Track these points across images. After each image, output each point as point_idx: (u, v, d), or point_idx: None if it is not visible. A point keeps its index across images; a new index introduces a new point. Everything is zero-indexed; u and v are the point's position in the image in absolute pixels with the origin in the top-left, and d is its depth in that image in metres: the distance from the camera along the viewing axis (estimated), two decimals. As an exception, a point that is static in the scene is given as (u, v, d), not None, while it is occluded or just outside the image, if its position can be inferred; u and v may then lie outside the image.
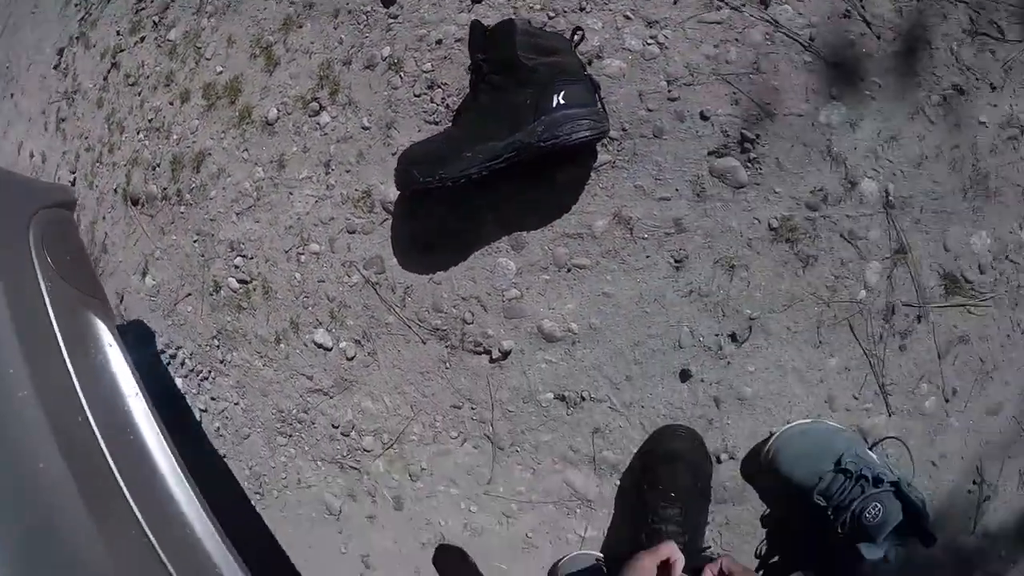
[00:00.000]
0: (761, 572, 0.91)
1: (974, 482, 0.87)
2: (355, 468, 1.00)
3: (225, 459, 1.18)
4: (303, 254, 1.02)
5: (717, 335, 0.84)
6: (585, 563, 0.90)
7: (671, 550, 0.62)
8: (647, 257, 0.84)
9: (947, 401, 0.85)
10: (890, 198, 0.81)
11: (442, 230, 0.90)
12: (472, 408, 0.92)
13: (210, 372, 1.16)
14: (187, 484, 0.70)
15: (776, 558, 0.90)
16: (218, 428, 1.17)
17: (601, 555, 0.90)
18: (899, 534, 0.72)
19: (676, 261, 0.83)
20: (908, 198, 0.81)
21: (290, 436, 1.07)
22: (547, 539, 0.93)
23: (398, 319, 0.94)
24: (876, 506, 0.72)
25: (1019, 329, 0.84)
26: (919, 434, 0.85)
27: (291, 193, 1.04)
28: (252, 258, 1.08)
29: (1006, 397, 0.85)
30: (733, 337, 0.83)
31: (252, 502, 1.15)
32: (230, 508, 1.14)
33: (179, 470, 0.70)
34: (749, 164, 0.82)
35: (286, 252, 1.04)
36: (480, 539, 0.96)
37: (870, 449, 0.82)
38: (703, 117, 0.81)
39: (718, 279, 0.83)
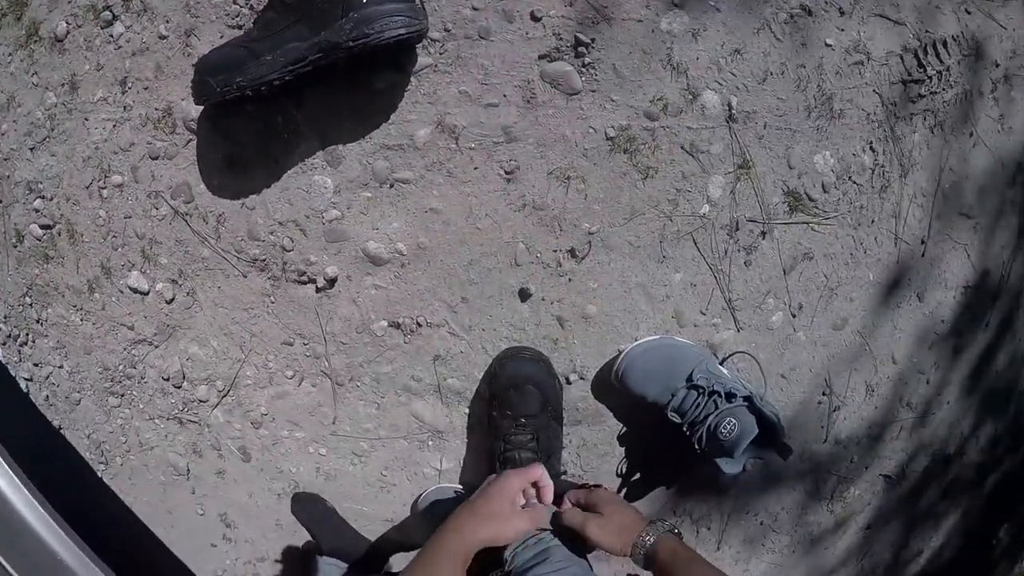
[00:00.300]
0: (624, 490, 0.92)
1: (823, 393, 0.90)
2: (194, 422, 0.91)
3: (61, 431, 1.05)
4: (105, 188, 0.87)
5: (555, 251, 0.78)
6: (445, 495, 0.87)
7: (540, 473, 0.58)
8: (475, 169, 0.76)
9: (794, 316, 0.85)
10: (733, 112, 0.76)
11: (251, 148, 0.77)
12: (304, 344, 0.84)
13: (28, 335, 1.00)
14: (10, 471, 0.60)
15: (638, 475, 0.90)
16: (47, 397, 1.03)
17: (460, 487, 0.88)
18: (756, 447, 0.73)
19: (507, 172, 0.76)
20: (751, 113, 0.77)
21: (122, 396, 0.95)
22: (403, 475, 0.90)
23: (213, 252, 0.82)
24: (731, 421, 0.72)
25: (862, 247, 0.84)
26: (768, 348, 0.86)
27: (86, 119, 0.87)
28: (52, 199, 0.91)
29: (850, 312, 0.87)
30: (572, 253, 0.78)
31: (99, 474, 1.04)
32: (78, 483, 1.02)
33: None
34: (584, 70, 0.74)
35: (87, 188, 0.88)
36: (335, 482, 0.91)
37: (720, 364, 0.82)
38: (534, 18, 0.71)
39: (553, 191, 0.77)
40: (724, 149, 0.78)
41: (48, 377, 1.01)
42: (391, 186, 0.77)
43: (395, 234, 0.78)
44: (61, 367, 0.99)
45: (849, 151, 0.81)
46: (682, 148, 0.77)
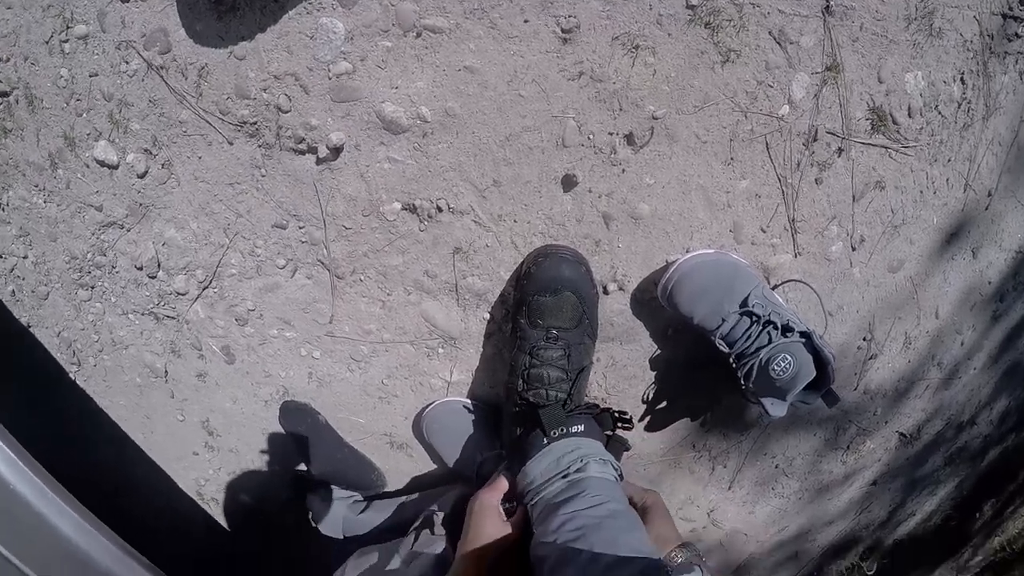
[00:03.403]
0: (647, 419, 0.78)
1: (864, 339, 0.76)
2: (171, 317, 0.73)
3: (30, 328, 0.86)
4: (67, 41, 0.65)
5: (611, 134, 0.59)
6: (453, 411, 0.72)
7: (507, 486, 0.55)
8: (526, 22, 0.55)
9: (853, 249, 0.70)
10: (831, 3, 0.58)
11: None
12: (300, 227, 0.64)
13: (-11, 220, 0.81)
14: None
15: (664, 403, 0.76)
16: (12, 292, 0.84)
17: (470, 402, 0.73)
18: (804, 389, 0.58)
19: (564, 31, 0.56)
20: (850, 9, 0.59)
21: (92, 288, 0.76)
22: (407, 385, 0.72)
23: (194, 114, 0.62)
24: (786, 358, 0.57)
25: (933, 187, 0.69)
26: (821, 280, 0.70)
27: None
28: (8, 60, 0.69)
29: (908, 255, 0.73)
30: (630, 139, 0.59)
31: (71, 375, 0.86)
32: (50, 387, 0.85)
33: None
34: None
35: (47, 42, 0.66)
36: (328, 389, 0.73)
37: (773, 290, 0.66)
38: None
39: (616, 61, 0.58)
40: (815, 44, 0.60)
41: (13, 269, 0.81)
42: (418, 35, 0.56)
43: (418, 96, 0.58)
44: (26, 257, 0.79)
45: (940, 77, 0.64)
46: (770, 34, 0.58)
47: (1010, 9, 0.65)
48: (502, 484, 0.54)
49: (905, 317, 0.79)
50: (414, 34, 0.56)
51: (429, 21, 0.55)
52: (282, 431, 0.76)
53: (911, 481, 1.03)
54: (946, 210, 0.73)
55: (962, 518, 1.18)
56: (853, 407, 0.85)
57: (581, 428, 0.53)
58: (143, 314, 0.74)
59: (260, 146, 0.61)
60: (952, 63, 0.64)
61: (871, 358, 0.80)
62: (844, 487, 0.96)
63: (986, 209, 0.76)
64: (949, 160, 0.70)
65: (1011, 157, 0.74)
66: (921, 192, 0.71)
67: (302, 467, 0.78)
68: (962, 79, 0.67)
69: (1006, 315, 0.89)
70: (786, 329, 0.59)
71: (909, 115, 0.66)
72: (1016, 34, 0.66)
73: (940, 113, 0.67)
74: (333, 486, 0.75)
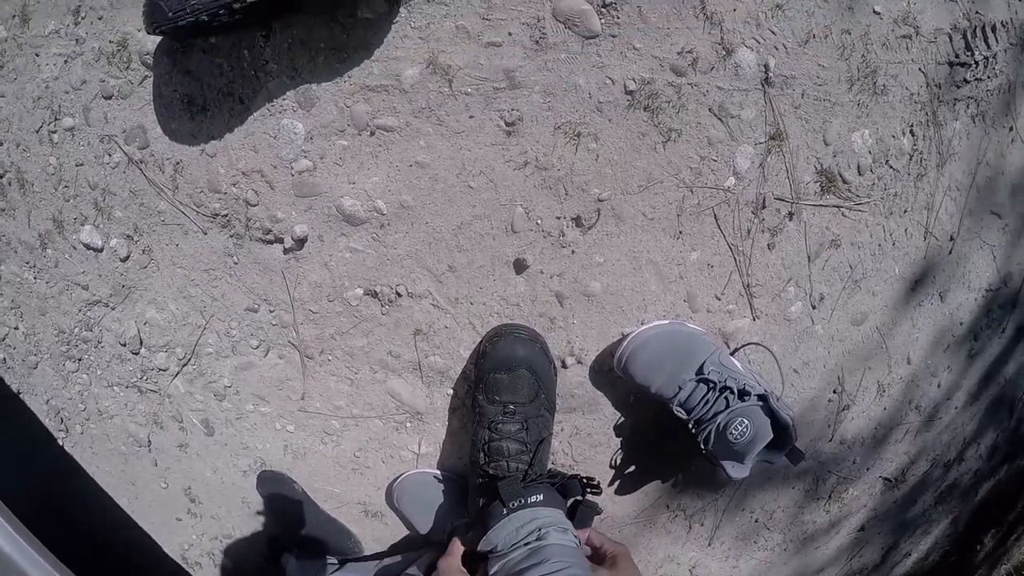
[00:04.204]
0: (616, 483, 0.80)
1: (834, 391, 0.77)
2: (154, 391, 0.76)
3: (20, 395, 0.91)
4: (55, 132, 0.71)
5: (559, 218, 0.63)
6: (423, 482, 0.74)
7: (461, 547, 0.58)
8: (471, 118, 0.60)
9: (814, 307, 0.72)
10: (769, 74, 0.61)
11: (213, 87, 0.61)
12: (270, 310, 0.68)
13: (-16, 293, 0.86)
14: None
15: (632, 468, 0.77)
16: (3, 360, 0.89)
17: (439, 472, 0.75)
18: (765, 449, 0.60)
19: (508, 124, 0.60)
20: (790, 78, 0.62)
21: (79, 360, 0.81)
22: (378, 457, 0.75)
23: (171, 205, 0.66)
24: (743, 422, 0.58)
25: (891, 239, 0.71)
26: (783, 340, 0.72)
27: (37, 55, 0.70)
28: (1, 144, 0.76)
29: (872, 308, 0.74)
30: (578, 221, 0.63)
31: (60, 441, 0.90)
32: (40, 452, 0.88)
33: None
34: (604, 10, 0.58)
35: (37, 132, 0.72)
36: (304, 461, 0.76)
37: (732, 355, 0.68)
38: (549, -57, 0.56)
39: (560, 149, 0.62)
40: (757, 116, 0.62)
41: (4, 339, 0.86)
42: (372, 134, 0.60)
43: (374, 190, 0.62)
44: (17, 328, 0.84)
45: (889, 132, 0.66)
46: (710, 110, 0.61)
47: (956, 56, 0.66)
48: (456, 547, 0.57)
49: (875, 366, 0.80)
50: (368, 133, 0.60)
51: (381, 121, 0.60)
52: (260, 500, 0.78)
53: (902, 523, 1.02)
54: (908, 259, 0.74)
55: (961, 553, 1.16)
56: (830, 457, 0.86)
57: (540, 498, 0.55)
58: (127, 387, 0.78)
59: (231, 236, 0.65)
60: (900, 117, 0.66)
61: (844, 409, 0.81)
62: (831, 535, 0.96)
63: (950, 253, 0.77)
64: (905, 211, 0.72)
65: (971, 200, 0.75)
66: (879, 245, 0.73)
67: (278, 532, 0.80)
68: (911, 131, 0.68)
69: (982, 352, 0.89)
70: (743, 393, 0.61)
71: (859, 173, 0.68)
72: (965, 79, 0.68)
73: (891, 167, 0.69)
74: (308, 550, 0.77)
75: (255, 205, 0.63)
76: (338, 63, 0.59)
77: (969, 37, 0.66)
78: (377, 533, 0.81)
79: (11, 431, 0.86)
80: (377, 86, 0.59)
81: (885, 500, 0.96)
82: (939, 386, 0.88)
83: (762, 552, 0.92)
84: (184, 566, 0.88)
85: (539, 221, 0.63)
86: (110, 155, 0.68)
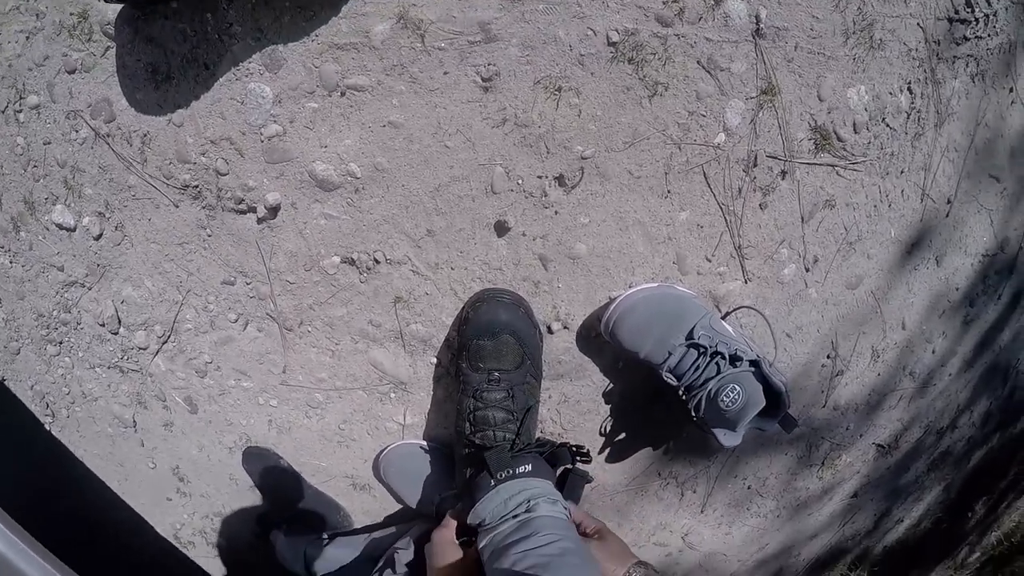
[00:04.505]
0: (607, 450, 0.79)
1: (828, 356, 0.76)
2: (135, 371, 0.75)
3: (5, 382, 0.90)
4: (21, 111, 0.69)
5: (541, 177, 0.61)
6: (409, 453, 0.73)
7: (455, 524, 0.57)
8: (445, 74, 0.57)
9: (807, 270, 0.70)
10: (761, 26, 0.58)
11: (177, 54, 0.58)
12: (247, 283, 0.67)
13: (-38, 278, 0.84)
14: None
15: (623, 435, 0.76)
16: (-15, 346, 0.88)
17: (425, 443, 0.74)
18: (758, 416, 0.58)
19: (484, 80, 0.58)
20: (782, 30, 0.59)
21: (60, 343, 0.80)
22: (363, 429, 0.74)
23: (140, 179, 0.64)
24: (735, 388, 0.57)
25: (887, 200, 0.69)
26: (776, 304, 0.70)
27: None
28: None
29: (867, 271, 0.72)
30: (560, 180, 0.61)
31: (47, 426, 0.90)
32: (28, 439, 0.88)
33: None
34: None
35: (3, 112, 0.70)
36: (289, 435, 0.75)
37: (723, 319, 0.67)
38: None
39: (540, 105, 0.59)
40: (747, 69, 0.60)
41: None
42: (342, 94, 0.58)
43: (347, 153, 0.60)
44: None
45: (885, 89, 0.64)
46: (699, 63, 0.59)
47: (956, 12, 0.64)
48: (450, 521, 0.56)
49: (870, 331, 0.79)
50: (338, 93, 0.58)
51: (351, 80, 0.58)
52: (248, 476, 0.78)
53: (894, 489, 1.03)
54: (904, 221, 0.73)
55: (953, 519, 1.17)
56: (823, 424, 0.85)
57: (528, 468, 0.54)
58: (109, 367, 0.77)
59: (204, 208, 0.64)
60: (897, 74, 0.64)
61: (837, 375, 0.80)
62: (823, 501, 0.96)
63: (947, 216, 0.75)
64: (902, 172, 0.70)
65: (969, 162, 0.73)
66: (875, 206, 0.71)
67: (267, 508, 0.80)
68: (909, 89, 0.66)
69: (978, 319, 0.88)
70: (734, 359, 0.59)
71: (855, 131, 0.66)
72: (964, 37, 0.65)
73: (888, 125, 0.67)
74: (297, 525, 0.77)
75: (225, 174, 0.62)
76: (304, 22, 0.56)
77: None
78: (366, 506, 0.81)
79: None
80: (346, 44, 0.57)
81: (878, 466, 0.96)
82: (934, 352, 0.87)
83: (755, 519, 0.92)
84: (177, 545, 0.89)
85: (520, 181, 0.61)
86: (77, 131, 0.66)
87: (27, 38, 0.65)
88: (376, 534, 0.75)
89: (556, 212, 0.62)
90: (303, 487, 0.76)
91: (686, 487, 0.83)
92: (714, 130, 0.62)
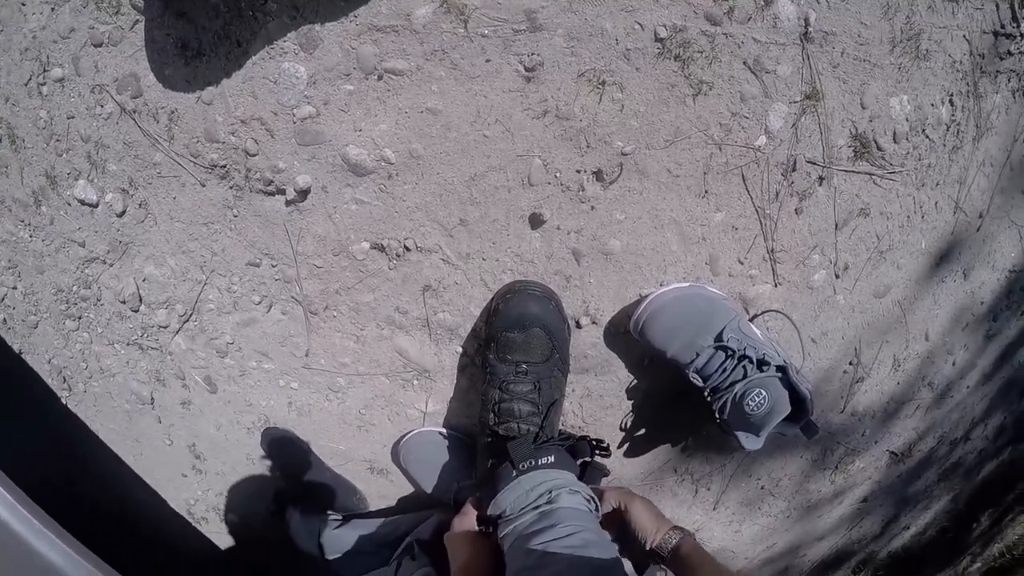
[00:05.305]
0: (626, 445, 0.80)
1: (850, 363, 0.77)
2: (155, 348, 0.75)
3: (22, 355, 0.91)
4: (44, 84, 0.67)
5: (579, 171, 0.60)
6: (429, 440, 0.74)
7: (476, 509, 0.59)
8: (487, 61, 0.56)
9: (837, 277, 0.70)
10: (809, 29, 0.57)
11: (208, 29, 0.57)
12: (272, 265, 0.66)
13: (-20, 252, 0.84)
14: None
15: (643, 431, 0.77)
16: (4, 320, 0.88)
17: (445, 431, 0.75)
18: (781, 421, 0.59)
19: (527, 69, 0.57)
20: (830, 34, 0.58)
21: (79, 319, 0.80)
22: (384, 415, 0.74)
23: (167, 156, 0.63)
24: (760, 393, 0.57)
25: (920, 211, 0.69)
26: (803, 309, 0.71)
27: (23, 4, 0.66)
28: None
29: (895, 280, 0.72)
30: (599, 175, 0.60)
31: (63, 400, 0.91)
32: (45, 411, 0.89)
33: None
34: None
35: (26, 84, 0.68)
36: (308, 418, 0.76)
37: (751, 321, 0.66)
38: None
39: (583, 98, 0.58)
40: (793, 73, 0.59)
41: (3, 299, 0.85)
42: (379, 78, 0.57)
43: (382, 138, 0.59)
44: (15, 288, 0.83)
45: (928, 100, 0.63)
46: (744, 64, 0.58)
47: (1002, 26, 0.64)
48: (470, 510, 0.57)
49: (893, 340, 0.79)
50: (375, 77, 0.57)
51: (390, 64, 0.56)
52: (265, 456, 0.79)
53: (904, 497, 1.04)
54: (935, 233, 0.72)
55: (958, 529, 1.18)
56: (840, 428, 0.86)
57: (551, 459, 0.55)
58: (128, 344, 0.77)
59: (231, 188, 0.63)
60: (940, 85, 0.63)
61: (858, 381, 0.81)
62: (833, 505, 0.97)
63: (977, 230, 0.75)
64: (938, 184, 0.70)
65: (1003, 177, 0.73)
66: (908, 217, 0.70)
67: (283, 486, 0.81)
68: (951, 101, 0.66)
69: (1000, 334, 0.88)
70: (762, 363, 0.59)
71: (894, 140, 0.65)
72: (1008, 51, 0.65)
73: (927, 136, 0.67)
74: (313, 505, 0.78)
75: (255, 155, 0.61)
76: (343, 1, 0.55)
77: (1016, 7, 0.62)
78: (383, 490, 0.81)
79: (16, 391, 0.86)
80: (385, 26, 0.55)
81: (890, 474, 0.97)
82: (954, 364, 0.87)
83: (765, 518, 0.93)
84: (190, 520, 0.90)
85: (557, 174, 0.60)
86: (102, 106, 0.65)
87: (52, 9, 0.64)
88: (391, 518, 0.76)
89: (592, 207, 0.62)
90: (321, 468, 0.77)
91: (701, 484, 0.84)
92: (756, 132, 0.61)
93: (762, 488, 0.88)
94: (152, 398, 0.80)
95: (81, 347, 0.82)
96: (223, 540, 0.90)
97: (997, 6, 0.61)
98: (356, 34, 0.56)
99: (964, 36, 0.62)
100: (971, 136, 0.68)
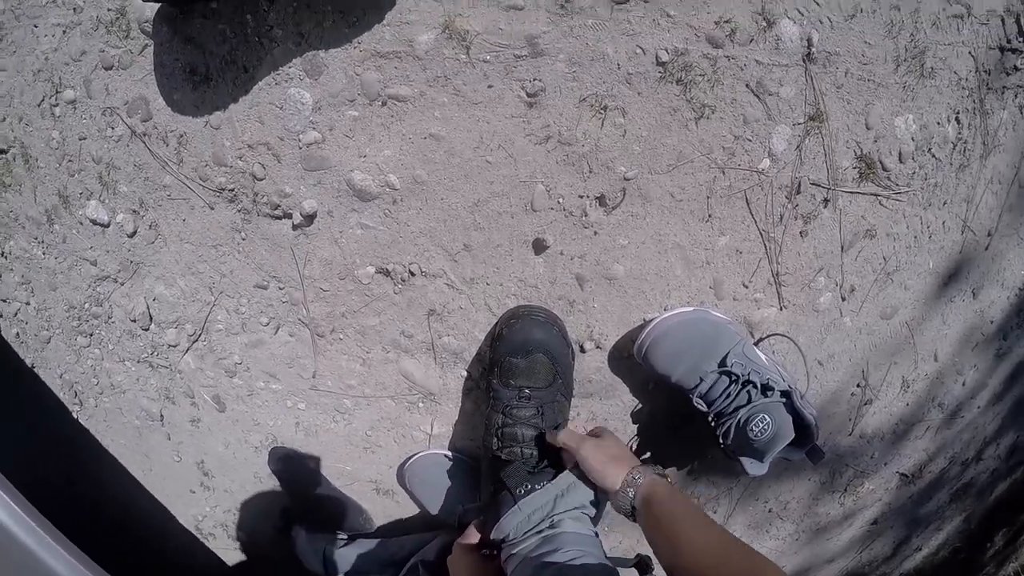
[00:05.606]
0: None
1: (858, 385, 0.76)
2: (165, 367, 0.76)
3: (34, 369, 0.92)
4: (57, 105, 0.69)
5: (582, 196, 0.60)
6: (434, 462, 0.74)
7: (477, 535, 0.59)
8: (490, 87, 0.57)
9: (843, 299, 0.69)
10: (812, 50, 0.57)
11: (216, 55, 0.58)
12: (280, 287, 0.67)
13: (-5, 267, 0.86)
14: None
15: (648, 455, 0.76)
16: (17, 334, 0.90)
17: (450, 453, 0.74)
18: (785, 447, 0.58)
19: (529, 95, 0.57)
20: (833, 55, 0.58)
21: (91, 335, 0.81)
22: (390, 437, 0.75)
23: (176, 179, 0.65)
24: (764, 419, 0.57)
25: (928, 231, 0.68)
26: (809, 332, 0.70)
27: (35, 26, 0.68)
28: (4, 119, 0.74)
29: (903, 301, 0.71)
30: (602, 200, 0.60)
31: (74, 414, 0.92)
32: (56, 425, 0.90)
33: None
34: None
35: (38, 105, 0.70)
36: (315, 439, 0.76)
37: (756, 345, 0.66)
38: None
39: (585, 124, 0.58)
40: (796, 94, 0.59)
41: (17, 314, 0.87)
42: (383, 104, 0.57)
43: (386, 163, 0.59)
44: (28, 303, 0.85)
45: (933, 118, 0.62)
46: (747, 86, 0.57)
47: (1008, 41, 0.62)
48: (473, 532, 0.57)
49: (901, 361, 0.78)
50: (379, 103, 0.57)
51: (393, 90, 0.57)
52: (273, 474, 0.79)
53: (915, 518, 1.02)
54: (943, 253, 0.71)
55: (971, 550, 1.16)
56: (849, 451, 0.84)
57: (546, 484, 0.55)
58: (138, 362, 0.79)
59: (239, 211, 0.64)
60: (946, 103, 0.62)
61: (866, 403, 0.80)
62: (843, 527, 0.96)
63: (986, 249, 0.74)
64: (945, 203, 0.69)
65: (1012, 195, 0.72)
66: (915, 237, 0.69)
67: (289, 504, 0.81)
68: (957, 119, 0.65)
69: (1010, 352, 0.87)
70: (766, 388, 0.59)
71: (900, 160, 0.64)
72: (1015, 67, 0.64)
73: (934, 156, 0.66)
74: (319, 523, 0.78)
75: (262, 179, 0.62)
76: (347, 28, 0.56)
77: (1022, 22, 0.61)
78: (389, 511, 0.82)
79: (27, 405, 0.87)
80: (389, 53, 0.56)
81: (900, 495, 0.96)
82: (964, 384, 0.85)
83: (773, 541, 0.92)
84: (198, 536, 0.91)
85: (560, 199, 0.61)
86: (113, 128, 0.66)
87: (64, 32, 0.66)
88: (396, 539, 0.76)
89: (595, 232, 0.62)
90: (327, 488, 0.78)
91: (708, 507, 0.83)
92: (759, 155, 0.60)
93: (770, 511, 0.87)
94: (161, 415, 0.81)
95: (92, 363, 0.83)
96: (230, 556, 0.91)
97: (1003, 21, 0.60)
98: (360, 60, 0.57)
99: (970, 52, 0.61)
100: (978, 154, 0.67)
